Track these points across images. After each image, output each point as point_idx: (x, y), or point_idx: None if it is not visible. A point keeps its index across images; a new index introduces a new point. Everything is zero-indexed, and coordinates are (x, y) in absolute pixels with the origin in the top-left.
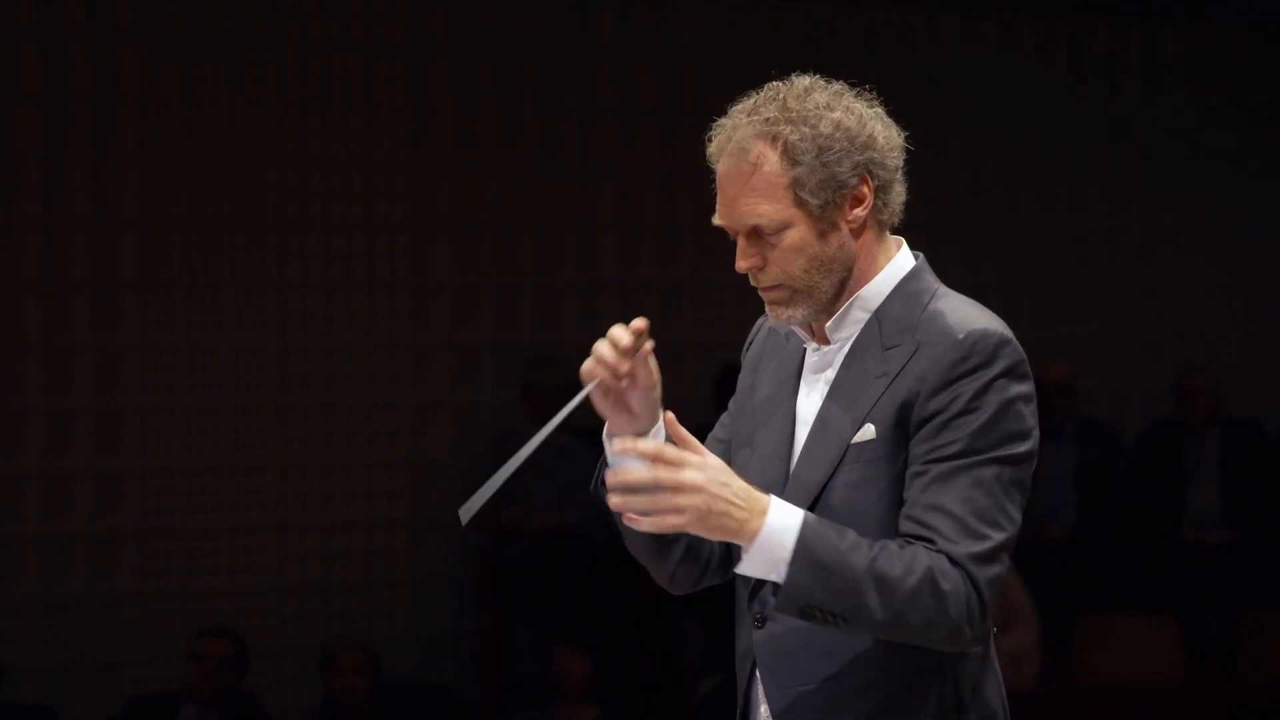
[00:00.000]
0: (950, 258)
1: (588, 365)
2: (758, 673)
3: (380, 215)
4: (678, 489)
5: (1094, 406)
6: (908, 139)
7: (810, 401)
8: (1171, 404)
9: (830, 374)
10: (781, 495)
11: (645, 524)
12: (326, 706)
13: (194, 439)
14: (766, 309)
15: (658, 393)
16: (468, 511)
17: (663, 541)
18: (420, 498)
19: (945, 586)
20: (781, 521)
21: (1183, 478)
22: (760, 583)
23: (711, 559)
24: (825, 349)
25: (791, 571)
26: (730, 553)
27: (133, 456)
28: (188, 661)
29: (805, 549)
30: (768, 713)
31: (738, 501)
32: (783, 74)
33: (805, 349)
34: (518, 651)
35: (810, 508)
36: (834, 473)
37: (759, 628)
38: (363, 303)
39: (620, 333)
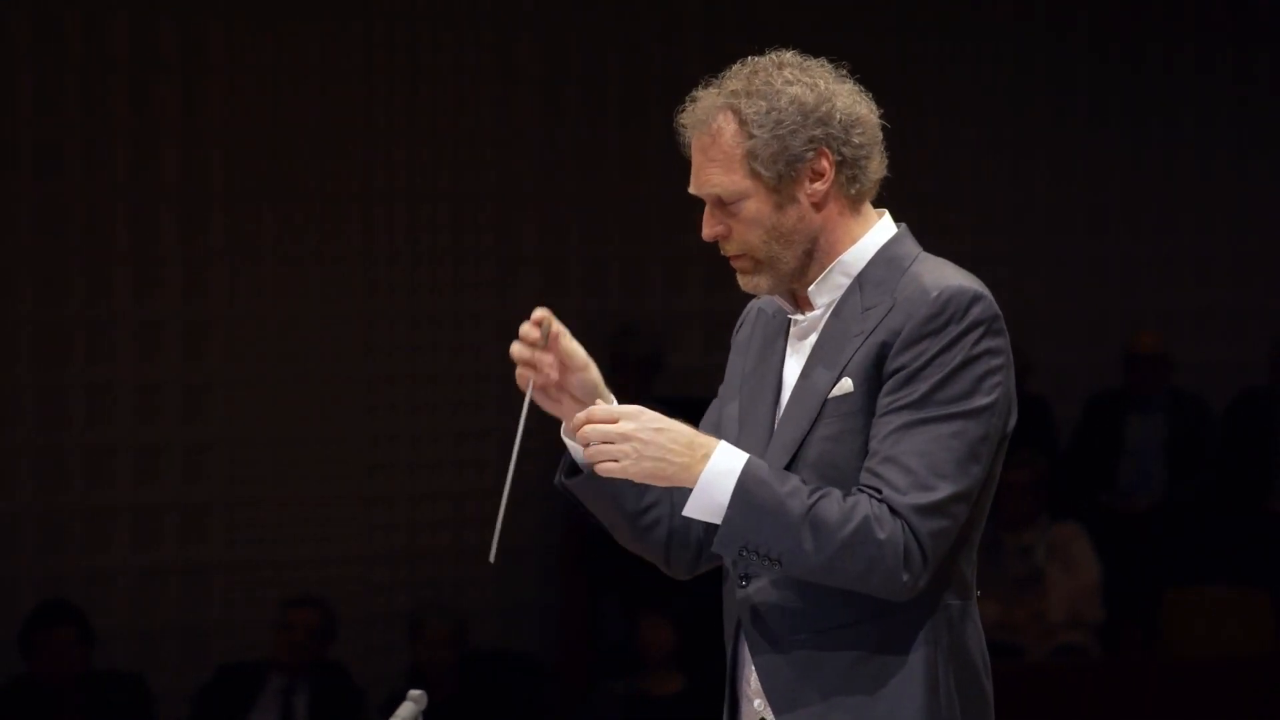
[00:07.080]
0: (1038, 229)
1: (519, 373)
2: (742, 632)
3: (467, 185)
4: (608, 440)
5: (1185, 376)
6: (996, 114)
7: (795, 366)
8: (1263, 373)
9: (814, 338)
10: (764, 456)
11: (600, 469)
12: (413, 675)
13: (280, 408)
14: (737, 278)
15: (593, 373)
16: (493, 550)
17: (639, 528)
18: (507, 468)
19: (880, 535)
20: (723, 466)
21: (1274, 448)
22: None
23: (703, 545)
24: (808, 315)
25: (729, 514)
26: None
27: (220, 426)
28: (276, 630)
29: (743, 492)
30: (755, 671)
31: (674, 447)
32: (869, 45)
33: (790, 319)
34: (604, 621)
35: (789, 463)
36: (811, 428)
37: (743, 586)
38: (448, 273)
39: (527, 329)
